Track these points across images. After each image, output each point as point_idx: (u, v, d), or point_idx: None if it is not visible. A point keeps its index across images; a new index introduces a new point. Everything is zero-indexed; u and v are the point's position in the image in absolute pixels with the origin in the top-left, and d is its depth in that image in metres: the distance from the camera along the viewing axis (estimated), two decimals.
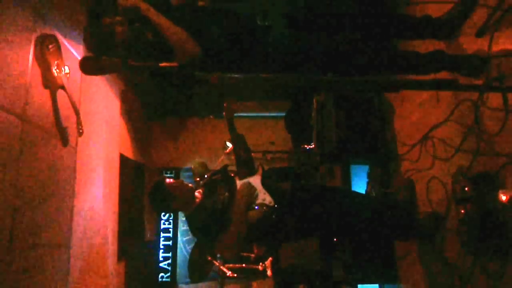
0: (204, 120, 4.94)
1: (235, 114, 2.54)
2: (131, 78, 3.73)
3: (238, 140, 2.45)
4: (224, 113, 2.44)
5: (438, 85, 1.16)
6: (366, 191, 3.22)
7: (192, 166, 4.45)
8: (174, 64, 1.02)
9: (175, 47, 1.68)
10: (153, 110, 4.62)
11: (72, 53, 2.65)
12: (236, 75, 1.07)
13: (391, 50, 2.47)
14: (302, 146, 3.99)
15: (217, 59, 1.88)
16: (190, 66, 1.57)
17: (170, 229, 4.83)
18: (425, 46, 2.36)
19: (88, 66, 0.97)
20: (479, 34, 2.02)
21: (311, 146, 3.82)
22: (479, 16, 2.01)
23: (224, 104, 2.41)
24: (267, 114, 4.87)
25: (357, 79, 1.36)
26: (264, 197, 2.12)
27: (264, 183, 2.17)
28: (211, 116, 4.76)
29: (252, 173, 2.31)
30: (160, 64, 1.03)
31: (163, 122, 4.96)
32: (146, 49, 1.76)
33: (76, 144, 2.67)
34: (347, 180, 3.43)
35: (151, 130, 5.08)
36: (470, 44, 2.11)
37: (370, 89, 2.48)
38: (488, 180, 1.91)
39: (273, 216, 2.04)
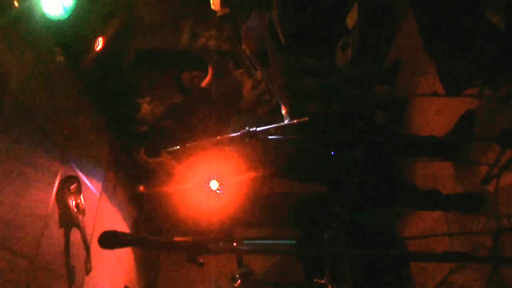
0: None
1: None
2: (143, 207, 3.81)
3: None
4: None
5: (450, 258, 1.17)
6: None
7: None
8: (188, 238, 1.06)
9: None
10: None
11: (92, 191, 2.77)
12: (251, 243, 1.09)
13: (392, 182, 2.50)
14: (315, 280, 3.80)
15: None
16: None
17: None
18: None
19: (106, 241, 1.02)
20: (484, 182, 2.08)
21: (324, 281, 3.64)
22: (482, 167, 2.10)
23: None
24: (278, 241, 4.78)
25: (366, 252, 1.38)
26: None
27: None
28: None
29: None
30: (174, 239, 1.07)
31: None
32: None
33: (83, 283, 2.60)
34: None
35: (158, 257, 4.97)
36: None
37: (382, 259, 2.49)
38: None
39: None
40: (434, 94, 1.93)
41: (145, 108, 2.00)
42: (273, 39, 2.21)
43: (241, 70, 2.13)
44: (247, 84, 2.17)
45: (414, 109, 2.83)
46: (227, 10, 1.97)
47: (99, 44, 2.38)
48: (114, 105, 2.61)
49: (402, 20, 3.36)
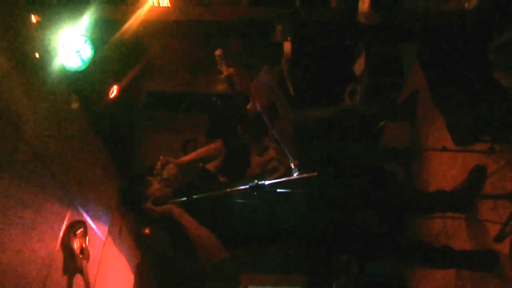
0: None
1: None
2: (149, 250, 3.76)
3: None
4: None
5: None
6: None
7: None
8: None
9: (200, 252, 1.75)
10: (168, 284, 4.49)
11: (97, 234, 2.75)
12: None
13: (406, 240, 2.46)
14: None
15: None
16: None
17: None
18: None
19: None
20: (498, 239, 2.03)
21: None
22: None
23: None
24: None
25: None
26: None
27: None
28: None
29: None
30: None
31: None
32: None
33: None
34: None
35: None
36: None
37: None
38: None
39: None
40: (444, 149, 1.92)
41: (155, 186, 2.04)
42: (282, 89, 2.25)
43: (248, 135, 2.16)
44: (254, 150, 2.19)
45: (424, 159, 2.81)
46: (231, 70, 2.03)
47: (114, 91, 2.45)
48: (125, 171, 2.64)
49: (410, 68, 3.42)
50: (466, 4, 2.08)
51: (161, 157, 2.09)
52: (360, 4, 2.26)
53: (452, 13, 2.07)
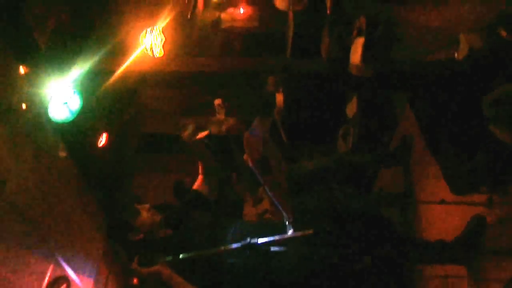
0: None
1: None
2: None
3: None
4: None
5: None
6: None
7: None
8: None
9: None
10: None
11: None
12: None
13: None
14: None
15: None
16: None
17: None
18: None
19: None
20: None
21: None
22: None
23: None
24: None
25: None
26: None
27: None
28: None
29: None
30: None
31: None
32: None
33: None
34: None
35: None
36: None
37: None
38: None
39: None
40: (442, 201, 1.88)
41: (143, 215, 1.96)
42: (275, 138, 2.23)
43: (243, 185, 2.13)
44: (249, 200, 2.14)
45: (421, 208, 2.75)
46: (230, 121, 2.01)
47: (103, 140, 2.40)
48: (113, 206, 2.57)
49: (402, 110, 3.41)
50: (456, 55, 2.10)
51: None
52: (351, 56, 2.29)
53: (442, 63, 2.09)
